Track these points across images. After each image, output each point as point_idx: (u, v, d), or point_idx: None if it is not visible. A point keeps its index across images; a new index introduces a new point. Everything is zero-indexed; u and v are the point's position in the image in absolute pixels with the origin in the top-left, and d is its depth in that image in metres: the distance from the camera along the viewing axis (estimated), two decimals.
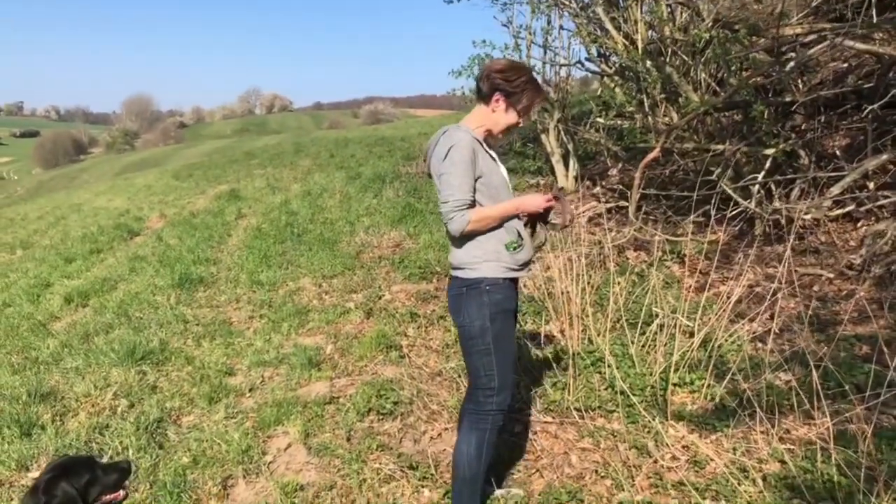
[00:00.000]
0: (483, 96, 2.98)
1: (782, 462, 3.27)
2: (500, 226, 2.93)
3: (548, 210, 3.11)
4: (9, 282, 9.99)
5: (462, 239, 2.94)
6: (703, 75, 6.39)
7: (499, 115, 2.97)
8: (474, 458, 3.03)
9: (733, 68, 6.19)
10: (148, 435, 4.40)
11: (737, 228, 5.94)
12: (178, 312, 6.98)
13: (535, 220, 3.17)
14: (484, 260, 2.93)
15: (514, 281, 3.06)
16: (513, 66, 2.97)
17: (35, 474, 4.06)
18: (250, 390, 5.08)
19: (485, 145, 2.97)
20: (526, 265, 3.06)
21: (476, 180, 2.88)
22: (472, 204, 2.85)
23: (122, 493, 2.64)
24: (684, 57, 6.37)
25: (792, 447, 3.40)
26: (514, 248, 2.94)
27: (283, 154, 21.31)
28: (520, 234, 2.97)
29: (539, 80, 8.58)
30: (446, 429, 4.13)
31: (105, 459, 3.50)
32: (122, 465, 2.68)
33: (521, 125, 3.10)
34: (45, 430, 4.60)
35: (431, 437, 4.10)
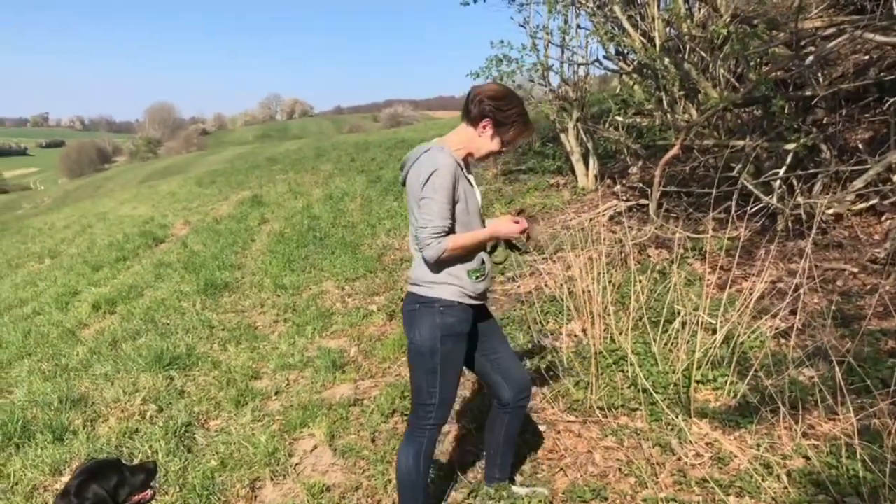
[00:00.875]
0: (471, 119, 2.92)
1: (806, 458, 3.26)
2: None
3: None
4: (38, 290, 10.17)
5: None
6: (722, 71, 6.35)
7: (483, 141, 2.92)
8: (413, 467, 3.07)
9: (752, 63, 6.15)
10: (177, 439, 4.48)
11: (758, 224, 5.90)
12: (204, 318, 7.08)
13: (498, 241, 3.16)
14: (443, 282, 2.90)
15: (473, 307, 3.01)
16: (506, 95, 2.91)
17: (67, 479, 4.15)
18: (276, 393, 5.14)
19: (464, 168, 2.93)
20: (482, 296, 3.03)
21: (454, 206, 2.86)
22: (450, 230, 2.83)
23: (149, 492, 2.72)
24: (702, 53, 6.34)
25: (816, 443, 3.39)
26: (477, 278, 2.93)
27: (305, 159, 21.45)
28: (483, 264, 2.96)
29: (557, 79, 8.60)
30: (469, 429, 4.15)
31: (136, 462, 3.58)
32: (148, 465, 2.75)
33: (502, 154, 3.08)
34: (77, 436, 4.70)
35: (455, 437, 4.13)
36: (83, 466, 2.73)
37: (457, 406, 4.41)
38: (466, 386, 4.68)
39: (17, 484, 4.18)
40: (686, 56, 6.39)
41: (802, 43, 5.55)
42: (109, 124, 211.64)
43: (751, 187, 5.62)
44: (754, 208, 5.59)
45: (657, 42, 6.68)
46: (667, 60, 6.47)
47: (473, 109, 2.90)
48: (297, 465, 4.10)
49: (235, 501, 3.79)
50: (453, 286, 2.90)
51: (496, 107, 2.85)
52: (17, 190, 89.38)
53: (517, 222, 3.02)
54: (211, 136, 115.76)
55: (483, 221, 3.07)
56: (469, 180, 2.95)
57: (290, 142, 49.03)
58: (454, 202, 2.85)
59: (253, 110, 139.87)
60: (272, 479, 3.96)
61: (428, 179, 2.80)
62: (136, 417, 4.95)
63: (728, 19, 5.89)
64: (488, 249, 3.15)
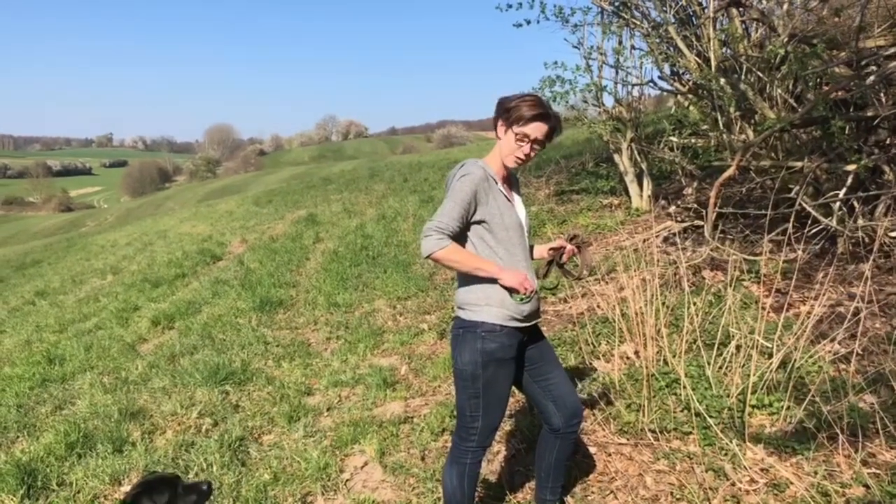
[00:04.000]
0: (494, 125, 2.95)
1: (866, 487, 3.17)
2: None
3: (561, 255, 3.19)
4: (100, 306, 10.48)
5: (468, 279, 2.92)
6: (779, 91, 6.25)
7: (504, 143, 2.90)
8: (457, 488, 3.08)
9: (811, 83, 6.06)
10: (231, 452, 4.56)
11: (817, 247, 5.78)
12: (259, 334, 7.21)
13: (550, 264, 3.21)
14: (486, 304, 2.89)
15: (521, 329, 2.98)
16: (517, 95, 2.88)
17: (126, 488, 4.27)
18: (328, 410, 5.21)
19: (500, 184, 2.92)
20: (531, 316, 3.00)
21: (478, 223, 2.87)
22: (455, 237, 2.81)
23: None
24: (759, 73, 6.26)
25: (877, 472, 3.29)
26: (521, 300, 2.89)
27: (359, 179, 21.72)
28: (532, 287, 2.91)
29: (611, 100, 8.55)
30: (519, 449, 4.14)
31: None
32: (202, 486, 2.78)
33: (528, 155, 2.91)
34: (136, 447, 4.82)
35: (505, 458, 4.12)
36: (142, 479, 2.81)
37: (506, 426, 4.41)
38: (516, 406, 4.67)
39: (79, 492, 4.31)
40: (742, 76, 6.33)
41: (864, 62, 5.45)
42: (170, 145, 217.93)
43: (809, 209, 5.51)
44: (812, 231, 5.48)
45: (713, 62, 6.62)
46: (722, 81, 6.41)
47: (493, 117, 2.94)
48: (347, 480, 4.14)
49: None
50: (495, 308, 2.89)
51: (503, 103, 2.87)
52: (81, 208, 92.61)
53: (566, 247, 3.13)
54: (268, 156, 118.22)
55: (527, 241, 3.08)
56: (504, 195, 2.93)
57: (344, 162, 49.74)
58: (477, 220, 2.86)
59: (309, 131, 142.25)
60: (323, 494, 4.01)
61: (456, 181, 2.85)
62: (192, 430, 5.06)
63: (786, 39, 5.82)
64: (541, 275, 3.17)
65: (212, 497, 2.93)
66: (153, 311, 9.03)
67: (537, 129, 2.85)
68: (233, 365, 6.16)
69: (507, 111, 2.86)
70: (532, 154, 2.91)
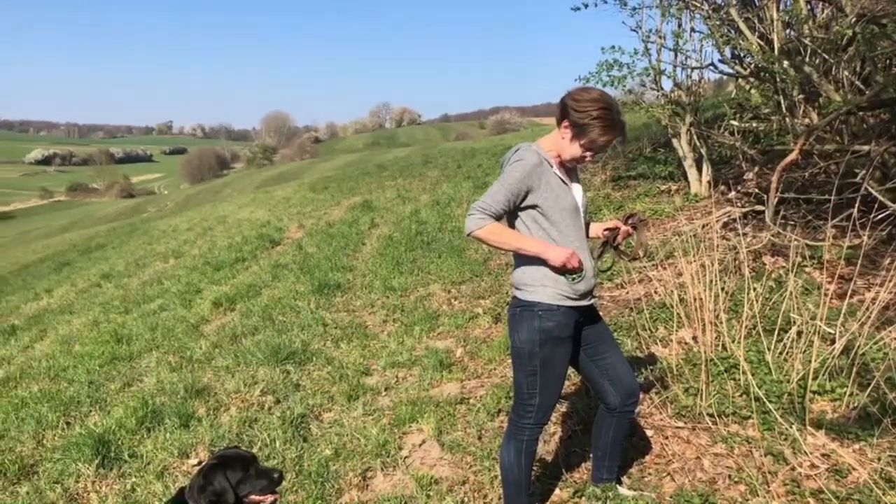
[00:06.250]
0: (557, 121, 2.92)
1: None
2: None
3: (616, 236, 3.20)
4: (163, 288, 10.78)
5: (523, 260, 2.95)
6: (846, 73, 6.10)
7: (565, 144, 2.91)
8: (514, 464, 3.13)
9: (880, 65, 5.89)
10: (293, 429, 4.70)
11: (884, 233, 5.64)
12: (318, 316, 7.35)
13: (605, 245, 3.22)
14: (541, 284, 2.91)
15: (577, 308, 2.98)
16: (590, 97, 2.80)
17: (193, 461, 4.44)
18: (386, 389, 5.31)
19: (556, 167, 2.92)
20: (586, 295, 2.99)
21: (531, 207, 2.89)
22: (500, 217, 2.85)
23: (269, 497, 2.84)
24: (825, 56, 6.12)
25: None
26: (573, 280, 2.90)
27: (413, 166, 21.82)
28: (581, 265, 2.91)
29: (670, 84, 8.42)
30: (576, 431, 4.17)
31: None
32: (274, 474, 2.87)
33: (588, 161, 2.97)
34: (201, 423, 5.00)
35: (561, 438, 4.15)
36: (221, 452, 2.93)
37: (563, 408, 4.44)
38: (572, 388, 4.69)
39: (149, 463, 4.50)
40: (807, 58, 6.18)
41: None
42: (228, 132, 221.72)
43: (876, 194, 5.38)
44: (879, 216, 5.35)
45: (776, 44, 6.48)
46: (786, 63, 6.28)
47: (558, 111, 2.92)
48: (406, 457, 4.23)
49: (348, 489, 3.95)
50: (550, 289, 2.92)
51: (575, 106, 2.81)
52: (143, 194, 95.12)
53: (621, 227, 3.18)
54: (323, 143, 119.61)
55: (585, 223, 3.08)
56: (562, 179, 2.93)
57: (398, 149, 49.99)
58: (529, 204, 2.89)
59: (363, 119, 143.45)
60: (382, 470, 4.11)
61: (505, 168, 2.90)
62: (255, 408, 5.22)
63: (853, 19, 5.67)
64: (594, 256, 3.17)
65: (280, 487, 3.04)
66: (215, 294, 9.27)
67: (605, 145, 2.90)
68: (293, 345, 6.31)
69: (578, 126, 2.83)
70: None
